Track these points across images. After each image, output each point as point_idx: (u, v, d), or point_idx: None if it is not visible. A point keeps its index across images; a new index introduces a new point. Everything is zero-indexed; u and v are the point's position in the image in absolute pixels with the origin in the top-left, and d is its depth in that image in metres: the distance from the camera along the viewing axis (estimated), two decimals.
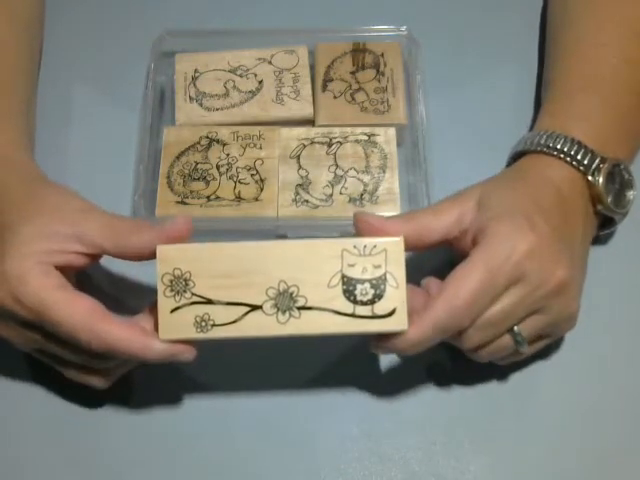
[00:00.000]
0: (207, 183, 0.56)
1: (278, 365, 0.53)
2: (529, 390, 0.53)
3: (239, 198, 0.55)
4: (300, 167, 0.57)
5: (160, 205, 0.55)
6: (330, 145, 0.57)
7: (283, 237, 0.56)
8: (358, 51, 0.61)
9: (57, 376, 0.50)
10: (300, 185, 0.56)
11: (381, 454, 0.51)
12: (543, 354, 0.53)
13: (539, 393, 0.53)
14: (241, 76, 0.61)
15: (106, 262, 0.53)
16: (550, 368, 0.53)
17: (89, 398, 0.52)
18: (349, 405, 0.52)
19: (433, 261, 0.53)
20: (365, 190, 0.56)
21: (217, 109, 0.59)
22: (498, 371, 0.52)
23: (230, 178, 0.56)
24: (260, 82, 0.60)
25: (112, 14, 0.66)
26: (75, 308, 0.44)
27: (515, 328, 0.46)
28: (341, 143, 0.57)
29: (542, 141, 0.51)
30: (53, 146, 0.60)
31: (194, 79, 0.60)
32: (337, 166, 0.57)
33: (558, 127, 0.51)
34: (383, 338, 0.45)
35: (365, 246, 0.44)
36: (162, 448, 0.51)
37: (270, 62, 0.61)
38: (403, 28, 0.62)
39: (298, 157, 0.57)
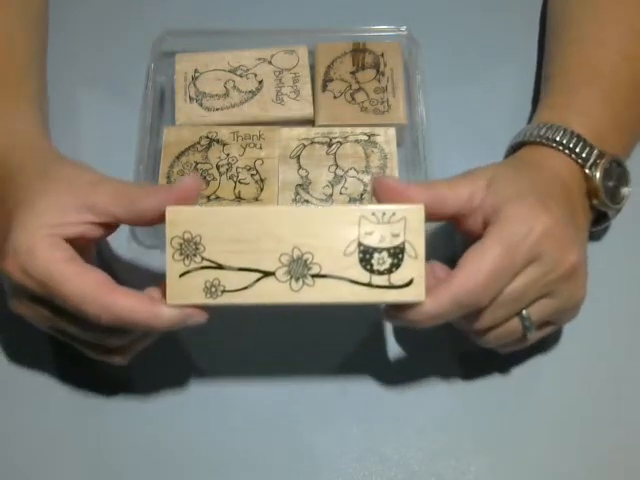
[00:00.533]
0: (207, 183, 0.56)
1: (278, 365, 0.53)
2: (530, 390, 0.53)
3: (239, 198, 0.55)
4: (300, 167, 0.57)
5: None
6: (330, 145, 0.57)
7: None
8: (358, 51, 0.61)
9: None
10: (300, 185, 0.56)
11: (381, 454, 0.51)
12: (545, 354, 0.53)
13: (539, 393, 0.53)
14: (241, 76, 0.61)
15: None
16: (550, 368, 0.53)
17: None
18: (349, 405, 0.52)
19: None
20: (365, 190, 0.56)
21: (217, 109, 0.59)
22: (498, 372, 0.53)
23: (230, 178, 0.56)
24: (260, 82, 0.60)
25: (112, 14, 0.66)
26: (83, 280, 0.43)
27: (524, 312, 0.46)
28: (341, 143, 0.57)
29: (542, 133, 0.51)
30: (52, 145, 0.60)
31: (194, 79, 0.60)
32: (337, 166, 0.57)
33: (558, 120, 0.51)
34: (399, 308, 0.45)
35: (384, 213, 0.43)
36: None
37: (270, 62, 0.61)
38: (403, 28, 0.62)
39: (298, 157, 0.57)
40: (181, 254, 0.43)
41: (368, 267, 0.43)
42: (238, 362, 0.53)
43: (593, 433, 0.51)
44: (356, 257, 0.43)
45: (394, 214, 0.43)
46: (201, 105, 0.59)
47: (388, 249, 0.43)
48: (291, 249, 0.43)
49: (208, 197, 0.55)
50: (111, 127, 0.61)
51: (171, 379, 0.53)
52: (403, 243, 0.43)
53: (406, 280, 0.43)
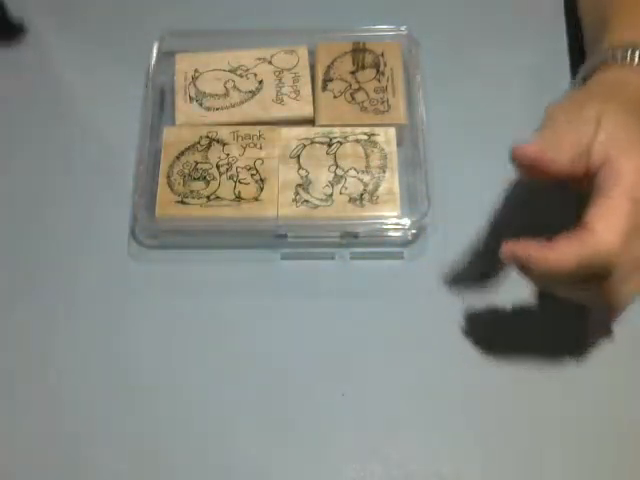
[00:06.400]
0: (207, 183, 0.56)
1: (278, 365, 0.53)
2: (530, 390, 0.52)
3: (239, 198, 0.55)
4: (300, 167, 0.57)
5: (160, 205, 0.55)
6: (330, 145, 0.57)
7: (283, 237, 0.56)
8: (358, 51, 0.61)
9: None
10: (300, 185, 0.56)
11: (381, 454, 0.51)
12: (544, 353, 0.53)
13: (540, 393, 0.52)
14: (241, 76, 0.61)
15: None
16: (551, 368, 0.53)
17: None
18: (349, 405, 0.52)
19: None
20: (365, 190, 0.56)
21: (217, 109, 0.59)
22: (498, 370, 0.53)
23: (230, 178, 0.56)
24: (260, 82, 0.60)
25: (112, 14, 0.66)
26: None
27: None
28: (341, 143, 0.57)
29: (627, 54, 0.49)
30: (53, 146, 0.60)
31: (194, 79, 0.60)
32: (337, 166, 0.57)
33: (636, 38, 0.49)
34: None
35: None
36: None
37: (270, 62, 0.61)
38: (403, 28, 0.62)
39: (298, 157, 0.57)
40: None
41: None
42: (238, 362, 0.53)
43: (593, 433, 0.51)
44: None
45: None
46: (201, 105, 0.59)
47: None
48: None
49: (208, 197, 0.55)
50: (111, 127, 0.61)
51: (172, 378, 0.53)
52: None
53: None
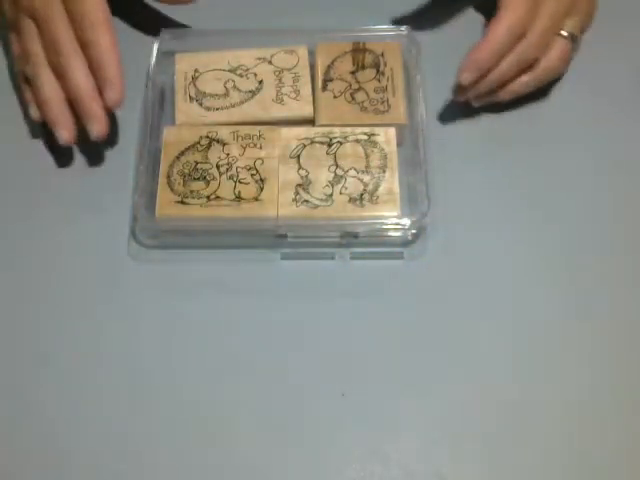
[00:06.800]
0: (207, 183, 0.56)
1: (278, 365, 0.53)
2: (530, 390, 0.53)
3: (239, 198, 0.55)
4: (300, 167, 0.57)
5: (160, 205, 0.55)
6: (330, 145, 0.57)
7: (283, 237, 0.56)
8: (358, 51, 0.61)
9: None
10: (300, 185, 0.56)
11: (381, 454, 0.51)
12: (545, 352, 0.53)
13: (539, 393, 0.52)
14: (241, 76, 0.61)
15: None
16: (551, 367, 0.53)
17: None
18: (349, 405, 0.52)
19: None
20: (365, 190, 0.55)
21: (217, 109, 0.59)
22: (498, 367, 0.53)
23: (230, 178, 0.56)
24: (260, 82, 0.60)
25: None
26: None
27: (563, 32, 0.58)
28: (341, 143, 0.57)
29: None
30: (53, 146, 0.60)
31: (194, 79, 0.60)
32: (337, 166, 0.57)
33: None
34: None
35: None
36: None
37: (270, 62, 0.61)
38: (403, 28, 0.62)
39: (298, 157, 0.57)
40: None
41: None
42: (238, 362, 0.53)
43: (593, 433, 0.51)
44: None
45: None
46: (201, 105, 0.59)
47: None
48: None
49: (208, 197, 0.55)
50: (111, 127, 0.61)
51: (172, 378, 0.53)
52: None
53: None
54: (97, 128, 0.56)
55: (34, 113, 0.59)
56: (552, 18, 0.58)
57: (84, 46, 0.56)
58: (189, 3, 0.60)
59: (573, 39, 0.59)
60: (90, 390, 0.52)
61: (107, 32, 0.56)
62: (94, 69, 0.56)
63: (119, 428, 0.51)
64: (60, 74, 0.57)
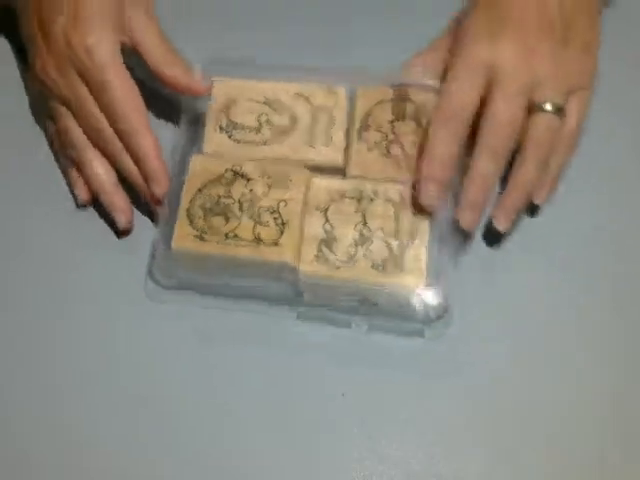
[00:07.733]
0: (227, 219, 0.55)
1: (278, 365, 0.53)
2: (529, 390, 0.52)
3: (258, 240, 0.54)
4: (327, 221, 0.55)
5: (177, 237, 0.54)
6: (360, 200, 0.55)
7: (300, 295, 0.54)
8: (399, 100, 0.59)
9: None
10: (324, 240, 0.54)
11: (381, 454, 0.50)
12: (544, 353, 0.53)
13: (539, 393, 0.52)
14: (275, 110, 0.59)
15: None
16: (550, 367, 0.53)
17: None
18: (349, 405, 0.52)
19: None
20: (390, 255, 0.53)
21: (246, 142, 0.58)
22: (497, 371, 0.52)
23: (251, 217, 0.55)
24: (294, 120, 0.58)
25: None
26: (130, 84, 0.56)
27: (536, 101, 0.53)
28: (372, 199, 0.55)
29: None
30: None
31: (227, 108, 0.59)
32: (365, 225, 0.55)
33: None
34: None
35: None
36: None
37: (307, 99, 0.59)
38: None
39: (326, 210, 0.55)
40: None
41: None
42: (238, 362, 0.53)
43: (593, 433, 0.51)
44: None
45: None
46: (230, 137, 0.58)
47: None
48: None
49: (226, 234, 0.54)
50: None
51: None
52: None
53: None
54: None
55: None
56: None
57: (119, 134, 0.56)
58: (202, 95, 0.58)
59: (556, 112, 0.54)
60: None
61: (140, 121, 0.55)
62: (134, 159, 0.56)
63: (118, 428, 0.52)
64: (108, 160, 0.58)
